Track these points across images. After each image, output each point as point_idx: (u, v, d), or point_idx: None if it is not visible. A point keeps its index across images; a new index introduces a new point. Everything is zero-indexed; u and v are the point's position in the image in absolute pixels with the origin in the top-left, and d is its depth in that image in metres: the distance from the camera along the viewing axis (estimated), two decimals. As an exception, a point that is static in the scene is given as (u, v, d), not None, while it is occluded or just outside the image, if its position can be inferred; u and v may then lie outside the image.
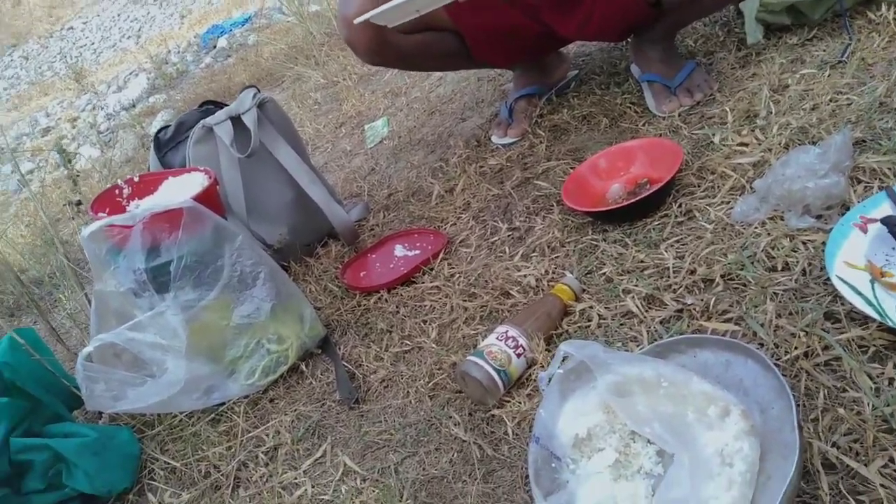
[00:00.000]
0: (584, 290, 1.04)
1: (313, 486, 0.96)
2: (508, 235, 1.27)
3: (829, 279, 0.81)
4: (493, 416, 0.92)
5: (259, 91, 1.48)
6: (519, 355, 0.94)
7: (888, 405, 0.69)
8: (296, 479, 0.99)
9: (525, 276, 1.12)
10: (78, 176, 2.06)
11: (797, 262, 0.89)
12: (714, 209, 1.06)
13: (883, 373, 0.72)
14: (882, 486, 0.63)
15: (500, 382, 0.92)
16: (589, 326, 0.98)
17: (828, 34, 1.34)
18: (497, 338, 0.96)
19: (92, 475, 1.06)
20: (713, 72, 1.42)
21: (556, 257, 1.14)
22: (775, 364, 0.74)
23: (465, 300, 1.15)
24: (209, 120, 1.43)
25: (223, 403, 1.17)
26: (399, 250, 1.39)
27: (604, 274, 1.05)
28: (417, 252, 1.36)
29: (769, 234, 0.96)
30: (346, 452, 0.99)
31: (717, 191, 1.10)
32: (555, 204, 1.27)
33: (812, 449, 0.69)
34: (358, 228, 1.54)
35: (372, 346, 1.17)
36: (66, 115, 5.79)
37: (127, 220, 1.06)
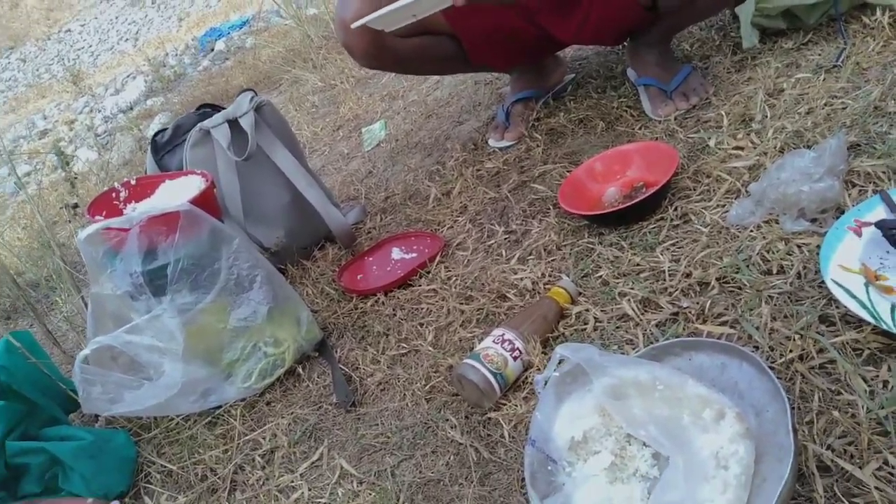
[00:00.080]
0: (580, 293, 1.04)
1: (310, 490, 0.96)
2: (505, 238, 1.27)
3: (823, 282, 0.82)
4: (489, 418, 0.93)
5: (256, 94, 1.48)
6: (515, 358, 0.94)
7: (882, 408, 0.69)
8: (292, 482, 0.99)
9: (521, 279, 1.12)
10: (75, 178, 2.07)
11: (792, 265, 0.90)
12: (709, 212, 1.06)
13: (877, 376, 0.73)
14: (877, 488, 0.64)
15: (496, 385, 0.92)
16: (585, 329, 0.98)
17: (823, 38, 1.35)
18: (493, 341, 0.96)
19: (88, 478, 1.06)
20: (709, 76, 1.42)
21: (552, 260, 1.15)
22: (770, 367, 0.75)
23: (462, 303, 1.15)
24: (206, 123, 1.43)
25: (220, 406, 1.17)
26: (396, 253, 1.39)
27: (600, 277, 1.06)
28: (414, 255, 1.36)
29: (764, 237, 0.96)
30: (343, 455, 0.99)
31: (712, 194, 1.10)
32: (551, 207, 1.28)
33: (807, 451, 0.69)
34: (355, 231, 1.54)
35: (369, 350, 1.17)
36: (63, 117, 5.80)
37: (124, 223, 1.06)
